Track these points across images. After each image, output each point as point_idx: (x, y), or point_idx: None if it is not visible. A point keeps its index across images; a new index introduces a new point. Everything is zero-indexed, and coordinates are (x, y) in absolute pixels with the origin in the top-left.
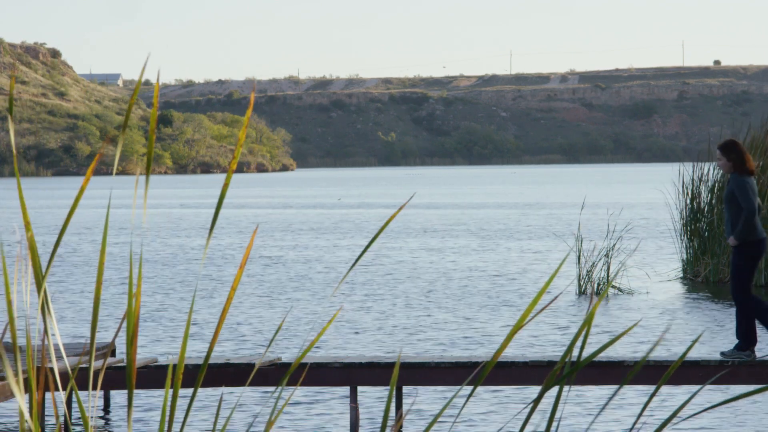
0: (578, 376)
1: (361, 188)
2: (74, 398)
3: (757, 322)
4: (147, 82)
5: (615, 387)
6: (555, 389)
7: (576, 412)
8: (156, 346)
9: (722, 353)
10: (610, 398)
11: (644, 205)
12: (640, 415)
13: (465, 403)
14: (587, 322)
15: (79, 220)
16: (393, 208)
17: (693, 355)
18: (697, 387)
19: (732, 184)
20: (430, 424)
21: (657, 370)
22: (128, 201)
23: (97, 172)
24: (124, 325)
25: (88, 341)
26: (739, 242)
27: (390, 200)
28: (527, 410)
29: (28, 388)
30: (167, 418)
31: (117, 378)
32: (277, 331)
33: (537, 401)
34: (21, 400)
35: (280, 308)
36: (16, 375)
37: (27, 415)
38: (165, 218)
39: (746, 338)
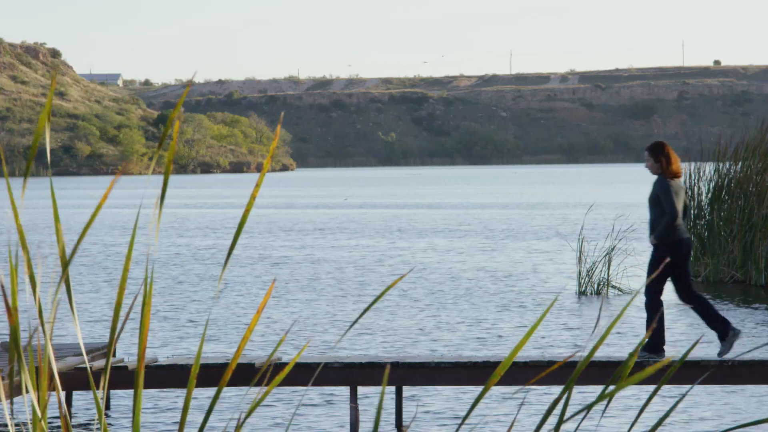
0: (578, 377)
1: (363, 188)
2: (94, 398)
3: (647, 317)
4: (147, 82)
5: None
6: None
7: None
8: (157, 346)
9: (720, 353)
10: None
11: (645, 204)
12: (639, 414)
13: (473, 405)
14: (612, 325)
15: (84, 220)
16: (398, 208)
17: (693, 355)
18: (698, 387)
19: (657, 186)
20: (460, 424)
21: (657, 370)
22: (130, 201)
23: (97, 172)
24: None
25: (91, 341)
26: (658, 242)
27: (394, 200)
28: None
29: (28, 388)
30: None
31: (117, 378)
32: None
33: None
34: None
35: (283, 308)
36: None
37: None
38: (170, 218)
39: (721, 329)
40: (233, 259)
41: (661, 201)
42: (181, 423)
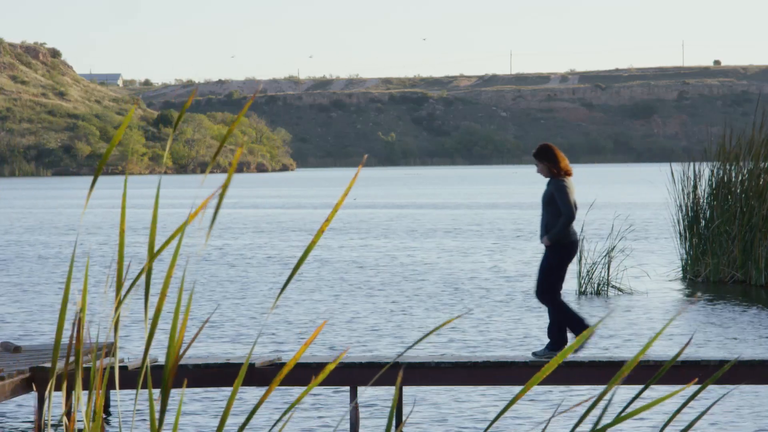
0: (578, 377)
1: (368, 188)
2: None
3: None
4: (147, 82)
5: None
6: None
7: (575, 412)
8: (158, 347)
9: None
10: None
11: (645, 205)
12: (623, 408)
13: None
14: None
15: (91, 220)
16: (408, 208)
17: (693, 355)
18: (696, 387)
19: (552, 187)
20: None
21: (656, 370)
22: (132, 201)
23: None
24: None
25: (92, 341)
26: (552, 243)
27: (401, 201)
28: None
29: (30, 387)
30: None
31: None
32: (256, 336)
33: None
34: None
35: (284, 308)
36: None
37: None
38: (175, 218)
39: (559, 339)
40: (243, 260)
41: (555, 202)
42: (159, 423)
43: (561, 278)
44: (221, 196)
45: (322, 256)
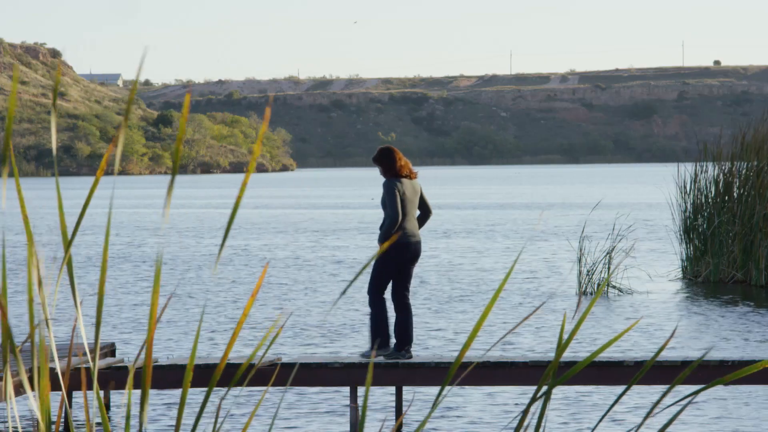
0: (578, 376)
1: (371, 189)
2: (100, 399)
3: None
4: (147, 82)
5: (614, 387)
6: (546, 389)
7: (575, 412)
8: (160, 348)
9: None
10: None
11: (645, 205)
12: (648, 415)
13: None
14: (579, 323)
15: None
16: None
17: (692, 355)
18: (697, 387)
19: (383, 189)
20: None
21: (658, 370)
22: (131, 201)
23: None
24: (131, 326)
25: (89, 341)
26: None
27: None
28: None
29: (30, 388)
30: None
31: (117, 378)
32: (275, 334)
33: (532, 401)
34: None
35: (283, 309)
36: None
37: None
38: (178, 219)
39: (403, 337)
40: (254, 260)
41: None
42: (177, 423)
43: (386, 278)
44: (166, 198)
45: (330, 256)
